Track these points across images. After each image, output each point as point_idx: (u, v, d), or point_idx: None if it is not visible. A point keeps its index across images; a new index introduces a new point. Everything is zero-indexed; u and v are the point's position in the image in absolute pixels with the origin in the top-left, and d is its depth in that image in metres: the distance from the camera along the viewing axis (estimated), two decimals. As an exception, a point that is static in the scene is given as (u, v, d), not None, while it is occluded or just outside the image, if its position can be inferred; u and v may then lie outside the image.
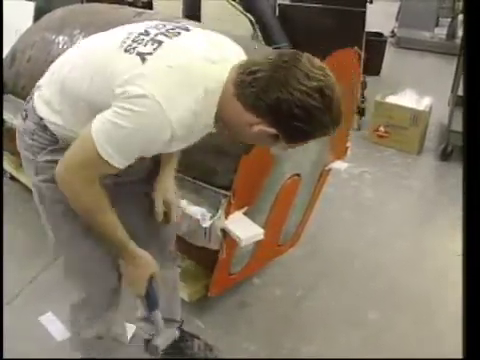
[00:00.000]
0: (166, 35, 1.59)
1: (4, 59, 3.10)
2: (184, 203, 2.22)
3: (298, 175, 2.43)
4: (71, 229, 1.76)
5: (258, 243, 2.26)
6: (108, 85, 1.53)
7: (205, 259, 2.49)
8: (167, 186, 2.04)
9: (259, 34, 4.99)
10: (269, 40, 4.90)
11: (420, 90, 4.84)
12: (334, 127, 1.52)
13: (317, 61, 1.47)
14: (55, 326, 2.52)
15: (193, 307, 2.58)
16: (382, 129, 4.64)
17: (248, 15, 5.06)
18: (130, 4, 5.25)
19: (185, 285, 2.52)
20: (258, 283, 2.86)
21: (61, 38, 2.85)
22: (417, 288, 2.88)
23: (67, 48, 2.74)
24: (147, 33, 1.61)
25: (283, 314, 2.68)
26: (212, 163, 2.23)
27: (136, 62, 1.51)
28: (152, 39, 1.58)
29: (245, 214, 2.18)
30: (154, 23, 1.69)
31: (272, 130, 1.48)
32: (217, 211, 2.12)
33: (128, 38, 1.60)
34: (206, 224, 2.12)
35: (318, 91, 1.42)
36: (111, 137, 1.49)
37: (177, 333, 2.23)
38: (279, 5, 5.54)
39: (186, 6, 5.36)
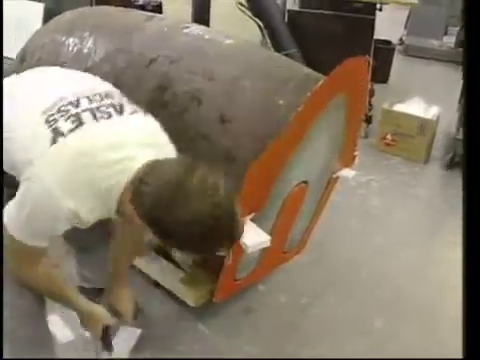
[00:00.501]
0: (94, 115, 1.60)
1: (13, 59, 3.11)
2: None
3: (306, 182, 2.43)
4: None
5: (264, 249, 2.25)
6: (16, 153, 1.63)
7: (211, 264, 2.49)
8: (118, 297, 2.24)
9: (268, 40, 5.00)
10: (278, 46, 4.90)
11: (428, 98, 4.83)
12: (228, 243, 1.52)
13: (211, 177, 1.50)
14: (60, 328, 2.52)
15: (197, 312, 2.58)
16: (389, 137, 4.63)
17: (257, 20, 5.07)
18: (140, 7, 5.26)
19: (190, 290, 2.53)
20: (263, 289, 2.85)
21: (71, 40, 2.84)
22: (423, 297, 2.87)
23: (76, 50, 2.77)
24: (77, 104, 1.63)
25: (288, 321, 2.67)
26: (220, 168, 2.23)
27: (46, 142, 1.54)
28: (76, 115, 1.60)
29: (252, 220, 2.18)
30: (94, 90, 1.74)
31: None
32: (224, 217, 2.12)
33: (54, 106, 1.64)
34: (212, 230, 2.11)
35: (206, 214, 1.41)
36: (18, 221, 1.56)
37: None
38: (288, 11, 5.54)
39: (195, 10, 5.36)
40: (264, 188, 2.16)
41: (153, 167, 1.53)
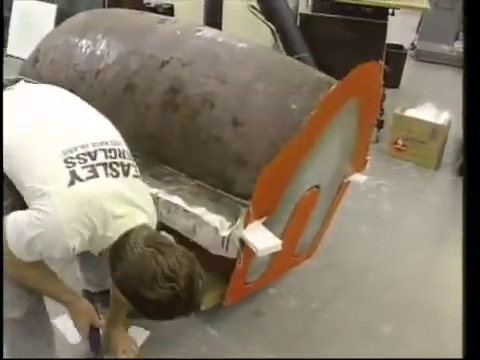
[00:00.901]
0: (105, 170, 1.76)
1: (26, 60, 3.12)
2: (202, 210, 2.22)
3: (317, 187, 2.42)
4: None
5: (275, 253, 2.24)
6: (29, 178, 1.73)
7: (221, 268, 2.49)
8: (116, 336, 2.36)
9: (280, 43, 5.00)
10: (290, 49, 4.91)
11: (439, 104, 4.82)
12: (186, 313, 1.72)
13: (184, 253, 1.71)
14: (70, 329, 2.52)
15: (207, 315, 2.57)
16: (400, 142, 4.62)
17: (269, 24, 5.07)
18: (151, 9, 5.29)
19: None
20: (273, 293, 2.85)
21: (84, 42, 2.86)
22: (433, 303, 2.86)
23: (89, 52, 2.78)
24: (94, 157, 1.77)
25: (298, 325, 2.67)
26: (232, 172, 2.23)
27: (64, 181, 1.68)
28: (92, 167, 1.74)
29: (263, 224, 2.18)
30: (109, 143, 1.86)
31: None
32: (236, 220, 2.12)
33: (74, 150, 1.76)
34: (224, 233, 2.11)
35: (166, 298, 1.62)
36: (20, 239, 1.69)
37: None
38: (300, 15, 5.55)
39: (207, 14, 5.37)
40: (276, 192, 2.16)
41: (130, 236, 1.71)
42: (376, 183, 4.12)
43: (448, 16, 8.05)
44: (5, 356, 1.97)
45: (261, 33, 5.21)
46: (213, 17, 5.39)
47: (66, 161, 1.73)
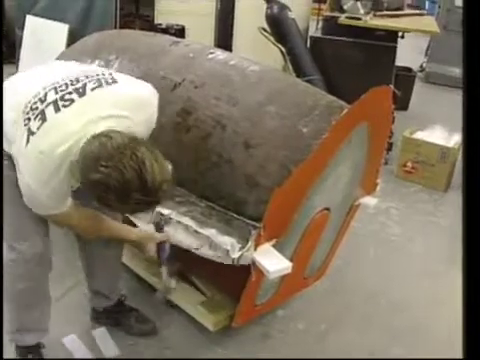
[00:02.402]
0: (56, 107, 1.81)
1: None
2: (213, 232, 2.23)
3: (328, 209, 2.43)
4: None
5: (284, 275, 2.25)
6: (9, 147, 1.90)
7: (231, 289, 2.50)
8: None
9: (290, 66, 5.03)
10: (300, 72, 4.94)
11: (448, 126, 4.82)
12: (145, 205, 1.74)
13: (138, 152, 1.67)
14: (78, 348, 2.53)
15: (216, 335, 2.58)
16: (409, 165, 4.62)
17: (279, 46, 5.11)
18: (163, 31, 5.32)
19: (210, 314, 2.53)
20: (282, 315, 2.84)
21: (96, 62, 2.88)
22: (441, 328, 2.84)
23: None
24: (44, 99, 1.84)
25: (306, 347, 2.66)
26: (243, 194, 2.25)
27: (23, 143, 1.79)
28: (42, 112, 1.81)
29: (274, 246, 2.18)
30: (62, 78, 1.93)
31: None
32: (247, 242, 2.13)
33: (29, 102, 1.86)
34: (235, 255, 2.12)
35: (101, 183, 1.65)
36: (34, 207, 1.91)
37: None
38: (310, 37, 5.59)
39: (218, 35, 5.42)
40: (287, 214, 2.17)
41: (82, 148, 1.73)
42: (385, 205, 4.11)
43: (457, 38, 8.03)
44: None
45: (271, 55, 5.25)
46: (224, 39, 5.45)
47: (24, 119, 1.83)
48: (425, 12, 7.01)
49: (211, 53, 2.70)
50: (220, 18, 5.99)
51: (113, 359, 2.49)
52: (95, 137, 1.69)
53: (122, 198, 1.66)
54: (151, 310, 2.69)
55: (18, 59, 6.73)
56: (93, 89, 1.88)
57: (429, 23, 5.61)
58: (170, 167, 1.79)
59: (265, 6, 5.19)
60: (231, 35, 5.86)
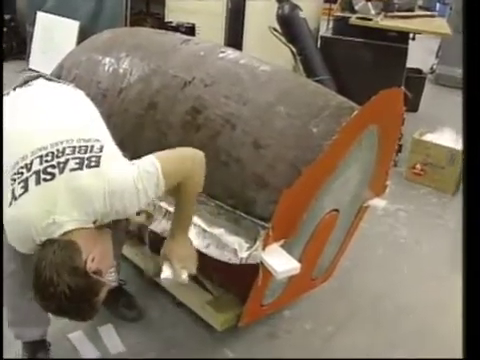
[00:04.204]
0: (38, 178, 1.81)
1: (49, 75, 3.15)
2: (221, 231, 2.23)
3: (337, 210, 2.42)
4: None
5: (292, 276, 2.24)
6: None
7: (238, 289, 2.50)
8: (171, 249, 2.16)
9: (300, 66, 5.02)
10: (310, 72, 4.93)
11: (458, 129, 4.79)
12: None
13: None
14: (84, 345, 2.53)
15: (222, 335, 2.58)
16: (419, 167, 4.60)
17: (290, 46, 5.10)
18: (173, 29, 5.33)
19: (217, 313, 2.53)
20: (288, 316, 2.84)
21: (107, 60, 2.89)
22: (447, 331, 2.83)
23: (112, 70, 2.81)
24: (30, 167, 1.84)
25: (312, 348, 2.66)
26: (252, 193, 2.24)
27: (8, 201, 1.81)
28: (26, 180, 1.81)
29: (282, 246, 2.18)
30: (48, 149, 1.89)
31: None
32: (255, 242, 2.12)
33: (16, 165, 1.86)
34: (243, 254, 2.12)
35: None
36: None
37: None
38: (321, 37, 5.57)
39: (228, 34, 5.42)
40: (296, 215, 2.16)
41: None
42: (394, 207, 4.10)
43: (468, 41, 8.03)
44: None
45: (282, 54, 5.24)
46: (234, 38, 5.45)
47: (12, 178, 1.84)
48: (436, 14, 6.98)
49: (222, 52, 2.69)
50: (230, 17, 6.00)
51: (118, 358, 2.49)
52: (46, 246, 1.76)
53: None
54: (158, 311, 2.69)
55: (28, 55, 6.77)
56: (72, 170, 1.82)
57: (441, 25, 5.58)
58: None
59: (276, 6, 5.18)
60: (241, 34, 5.86)
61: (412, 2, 5.76)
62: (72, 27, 6.31)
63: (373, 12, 5.17)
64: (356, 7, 5.22)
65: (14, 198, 1.80)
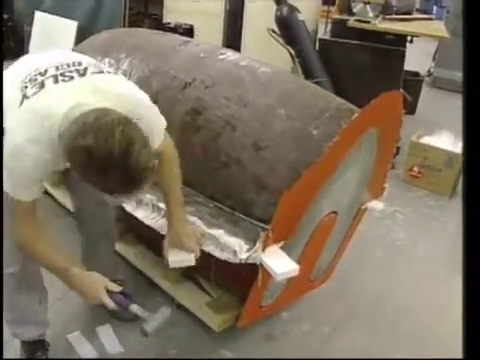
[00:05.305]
0: (56, 79, 1.84)
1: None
2: (221, 233, 2.24)
3: (335, 213, 2.43)
4: None
5: (290, 278, 2.25)
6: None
7: (237, 290, 2.50)
8: (180, 235, 2.18)
9: (299, 68, 5.03)
10: (308, 74, 4.95)
11: (455, 132, 4.80)
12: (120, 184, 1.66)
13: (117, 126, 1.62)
14: (82, 346, 2.53)
15: (220, 336, 2.59)
16: (416, 169, 4.61)
17: (289, 48, 5.11)
18: (172, 30, 5.33)
19: (216, 314, 2.53)
20: (286, 317, 2.84)
21: (107, 60, 2.89)
22: (445, 333, 2.84)
23: (113, 70, 2.81)
24: (44, 73, 1.87)
25: (310, 349, 2.66)
26: (251, 194, 2.25)
27: (16, 105, 1.79)
28: (41, 82, 1.83)
29: (281, 248, 2.18)
30: (65, 60, 1.95)
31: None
32: (254, 243, 2.13)
33: (29, 75, 1.88)
34: (243, 256, 2.12)
35: (85, 150, 1.59)
36: (5, 177, 1.78)
37: (168, 313, 2.15)
38: (319, 40, 5.59)
39: (227, 36, 5.43)
40: (296, 217, 2.16)
41: (76, 117, 1.69)
42: (391, 209, 4.11)
43: (465, 44, 8.04)
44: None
45: (280, 56, 5.25)
46: (232, 39, 5.45)
47: (21, 89, 1.84)
48: (433, 16, 7.01)
49: (222, 54, 2.70)
50: (229, 18, 6.00)
51: (117, 358, 2.49)
52: (92, 110, 1.68)
53: (101, 171, 1.61)
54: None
55: (27, 54, 6.74)
56: (94, 73, 1.91)
57: (438, 28, 5.60)
58: (156, 162, 1.80)
59: (274, 8, 5.19)
60: (240, 36, 5.87)
61: (410, 5, 5.79)
62: (70, 27, 6.29)
63: (371, 15, 5.20)
64: (354, 10, 5.25)
65: (26, 98, 1.79)
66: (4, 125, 1.81)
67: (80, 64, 1.94)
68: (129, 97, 1.89)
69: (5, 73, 2.06)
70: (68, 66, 1.90)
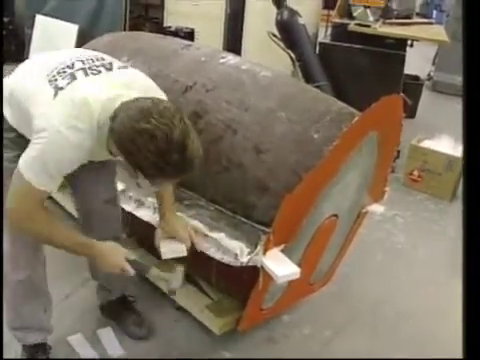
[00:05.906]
0: (86, 72, 1.89)
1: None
2: (222, 236, 2.24)
3: (336, 216, 2.43)
4: None
5: (291, 281, 2.25)
6: (29, 114, 1.85)
7: (238, 293, 2.50)
8: (174, 225, 2.25)
9: (299, 71, 5.04)
10: (309, 77, 4.96)
11: (455, 135, 4.81)
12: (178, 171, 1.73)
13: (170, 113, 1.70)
14: (83, 348, 2.53)
15: (221, 339, 2.59)
16: (416, 173, 4.62)
17: (289, 52, 5.12)
18: (172, 33, 5.34)
19: (216, 317, 2.53)
20: (287, 320, 2.85)
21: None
22: (445, 336, 2.84)
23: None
24: (72, 66, 1.92)
25: (310, 352, 2.66)
26: (252, 198, 2.25)
27: (50, 96, 1.81)
28: (71, 74, 1.88)
29: (282, 251, 2.19)
30: (87, 55, 2.01)
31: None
32: (255, 247, 2.14)
33: (55, 68, 1.91)
34: (244, 259, 2.13)
35: (149, 133, 1.64)
36: (32, 165, 1.79)
37: (182, 269, 2.18)
38: (320, 44, 5.60)
39: (227, 39, 5.44)
40: (297, 220, 2.17)
41: (125, 103, 1.76)
42: (391, 213, 4.12)
43: (465, 48, 8.05)
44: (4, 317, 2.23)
45: (280, 60, 5.26)
46: (233, 43, 5.46)
47: (50, 81, 1.87)
48: (433, 21, 7.02)
49: (223, 57, 2.71)
50: (229, 22, 6.02)
51: (118, 359, 2.49)
52: (145, 98, 1.75)
53: (161, 154, 1.66)
54: (158, 315, 2.70)
55: (27, 58, 6.74)
56: (120, 68, 1.99)
57: (438, 32, 5.61)
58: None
59: (275, 11, 5.20)
60: (240, 39, 5.89)
61: (410, 9, 5.80)
62: (71, 30, 6.30)
63: (371, 19, 5.20)
64: (355, 14, 5.26)
65: (60, 89, 1.82)
66: (31, 111, 1.85)
67: (103, 59, 2.00)
68: (156, 91, 1.98)
69: (20, 66, 2.12)
70: (93, 61, 1.96)
